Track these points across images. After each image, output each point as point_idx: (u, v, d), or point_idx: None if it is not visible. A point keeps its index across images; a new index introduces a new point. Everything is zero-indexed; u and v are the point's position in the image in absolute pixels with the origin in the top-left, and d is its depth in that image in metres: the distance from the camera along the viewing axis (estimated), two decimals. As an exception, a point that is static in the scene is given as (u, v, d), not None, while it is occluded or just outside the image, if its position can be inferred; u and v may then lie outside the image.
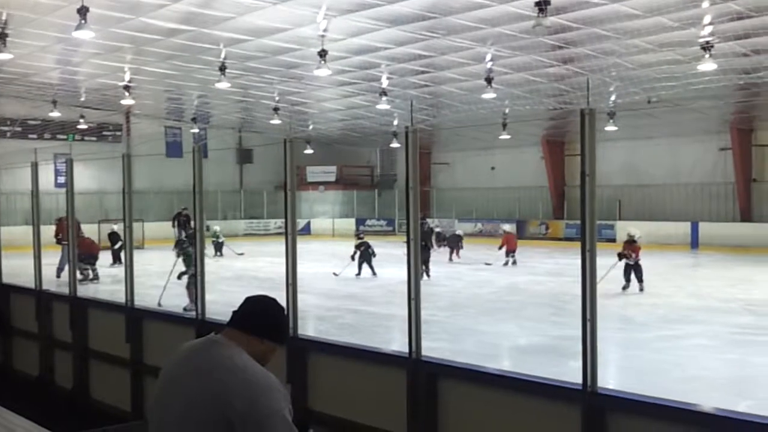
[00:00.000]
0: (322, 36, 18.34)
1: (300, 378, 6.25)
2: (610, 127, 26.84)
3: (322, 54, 18.67)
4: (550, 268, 21.97)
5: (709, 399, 7.13)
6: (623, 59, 19.70)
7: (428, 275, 18.73)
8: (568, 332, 4.44)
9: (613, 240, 22.46)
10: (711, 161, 31.52)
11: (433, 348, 6.55)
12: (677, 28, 16.81)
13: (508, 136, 31.28)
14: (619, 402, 4.51)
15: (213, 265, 21.35)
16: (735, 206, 30.76)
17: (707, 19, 16.26)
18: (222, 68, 21.02)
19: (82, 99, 29.30)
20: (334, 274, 19.77)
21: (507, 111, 27.42)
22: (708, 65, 17.82)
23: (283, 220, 6.39)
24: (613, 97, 23.77)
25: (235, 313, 2.87)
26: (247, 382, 2.62)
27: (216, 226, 27.40)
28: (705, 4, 15.30)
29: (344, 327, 13.18)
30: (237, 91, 26.65)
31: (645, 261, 21.82)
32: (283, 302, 4.19)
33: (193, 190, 7.13)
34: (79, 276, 18.28)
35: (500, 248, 22.89)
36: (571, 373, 4.68)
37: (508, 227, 25.48)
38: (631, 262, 16.82)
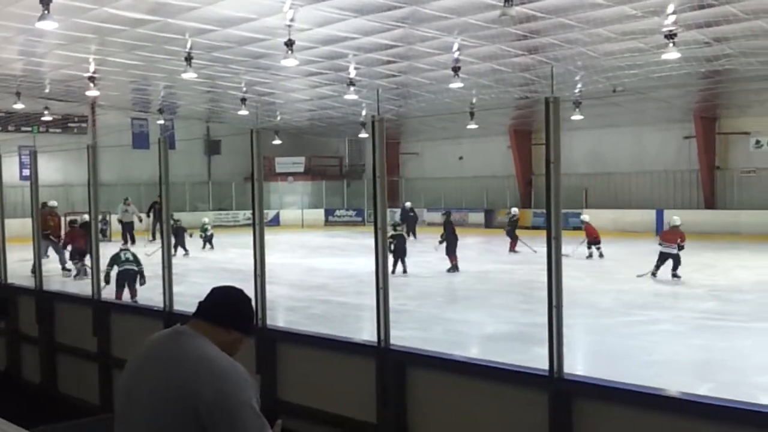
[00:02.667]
0: (289, 26, 18.25)
1: (269, 368, 6.26)
2: (576, 116, 27.06)
3: (289, 44, 18.58)
4: (519, 257, 22.15)
5: (673, 383, 7.26)
6: (588, 48, 19.86)
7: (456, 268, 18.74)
8: (537, 319, 4.52)
9: (580, 228, 22.59)
10: (675, 149, 31.91)
11: (402, 337, 6.58)
12: (641, 17, 16.98)
13: (476, 126, 31.42)
14: (585, 387, 4.58)
15: (181, 257, 21.35)
16: (699, 193, 31.18)
17: (671, 8, 16.44)
18: (188, 58, 20.85)
19: (47, 90, 28.88)
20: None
21: (474, 101, 27.54)
22: (672, 54, 18.03)
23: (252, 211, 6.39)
24: (578, 87, 23.96)
25: (201, 303, 2.86)
26: (215, 372, 2.63)
27: (205, 218, 27.18)
28: (668, -6, 15.48)
29: (314, 317, 13.20)
30: (204, 82, 26.45)
31: (610, 248, 22.16)
32: (251, 293, 4.19)
33: (159, 181, 7.08)
34: (73, 272, 18.12)
35: (583, 242, 21.51)
36: (538, 359, 4.74)
37: (586, 217, 22.96)
38: (667, 251, 16.99)
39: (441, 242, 19.44)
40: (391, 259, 17.40)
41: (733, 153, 30.80)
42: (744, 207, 28.22)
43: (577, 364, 9.09)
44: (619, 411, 4.35)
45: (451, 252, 19.01)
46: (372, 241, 5.54)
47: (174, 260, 7.66)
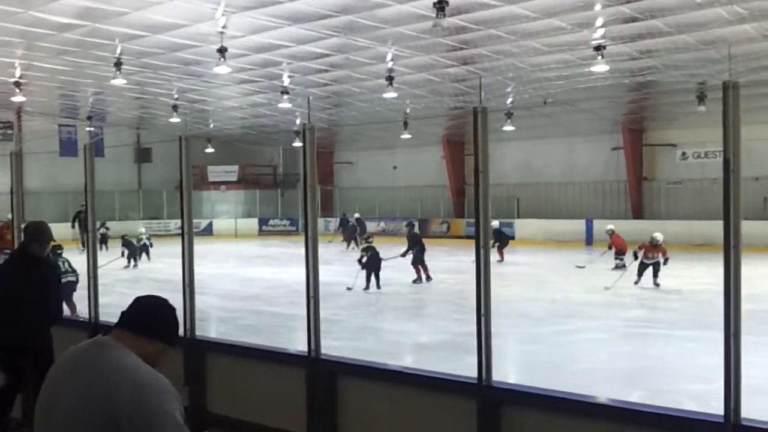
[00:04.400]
0: (222, 33, 18.07)
1: (198, 380, 6.15)
2: (508, 127, 27.43)
3: (222, 51, 18.41)
4: (452, 266, 22.28)
5: (601, 390, 7.38)
6: (518, 60, 20.17)
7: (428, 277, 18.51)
8: (469, 329, 4.55)
9: (512, 237, 22.85)
10: (604, 160, 32.63)
11: (333, 347, 6.56)
12: (570, 30, 17.31)
13: (410, 136, 31.64)
14: (513, 395, 4.62)
15: (108, 267, 20.90)
16: (627, 204, 31.93)
17: (599, 21, 16.81)
18: (117, 64, 20.49)
19: (-32, 95, 28.03)
20: (348, 288, 16.90)
21: (408, 111, 27.69)
22: (600, 66, 18.43)
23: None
24: (510, 98, 24.29)
25: (123, 313, 2.80)
26: (136, 383, 2.56)
27: (141, 228, 26.10)
28: (597, 7, 15.81)
29: (246, 328, 13.06)
30: (134, 88, 26.00)
31: (540, 257, 22.49)
32: (180, 303, 4.12)
33: (84, 189, 6.91)
34: None
35: (610, 248, 20.98)
36: (469, 368, 4.76)
37: (612, 227, 22.01)
38: (649, 262, 17.40)
39: (404, 255, 18.85)
40: (363, 273, 17.21)
41: (659, 164, 31.64)
42: (671, 217, 29.02)
43: (509, 373, 9.18)
44: (548, 418, 4.39)
45: (419, 262, 18.69)
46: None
47: (118, 272, 7.48)
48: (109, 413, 2.51)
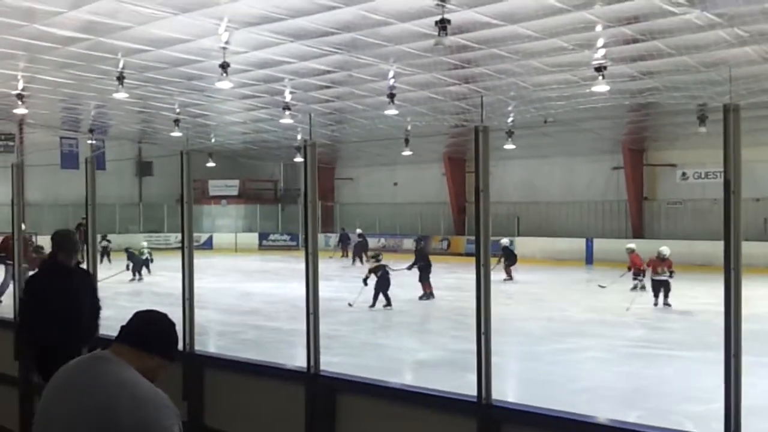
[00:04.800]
0: (224, 48, 18.16)
1: (196, 394, 6.13)
2: (509, 146, 27.50)
3: (224, 66, 18.48)
4: (451, 283, 22.25)
5: (600, 410, 7.36)
6: (520, 79, 20.24)
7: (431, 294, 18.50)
8: (468, 346, 4.54)
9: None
10: (604, 180, 32.68)
11: (333, 363, 6.53)
12: (572, 50, 17.39)
13: (411, 153, 31.69)
14: (513, 413, 4.60)
15: (109, 280, 20.91)
16: (627, 223, 31.95)
17: (600, 42, 16.89)
18: (120, 78, 20.56)
19: (-30, 107, 28.12)
20: (349, 305, 16.80)
21: (409, 128, 27.76)
22: (601, 87, 18.50)
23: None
24: (511, 117, 24.36)
25: (123, 327, 2.80)
26: (135, 398, 2.56)
27: (143, 242, 26.04)
28: (598, 28, 15.88)
29: (246, 343, 13.04)
30: (136, 102, 26.09)
31: (541, 276, 22.47)
32: (180, 317, 4.11)
33: (85, 202, 6.92)
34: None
35: (629, 269, 20.04)
36: (469, 386, 4.74)
37: (633, 246, 21.06)
38: (664, 278, 17.34)
39: (410, 268, 19.08)
40: (365, 289, 16.92)
41: (660, 184, 31.69)
42: (671, 237, 29.02)
43: (508, 391, 9.16)
44: (546, 437, 4.38)
45: (425, 279, 18.75)
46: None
47: (119, 284, 7.48)
48: (108, 427, 2.51)
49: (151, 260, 24.12)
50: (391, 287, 17.07)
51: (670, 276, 17.36)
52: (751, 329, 4.62)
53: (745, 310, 3.49)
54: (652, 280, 17.64)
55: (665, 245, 18.54)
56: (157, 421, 2.54)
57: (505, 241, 24.11)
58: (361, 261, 29.78)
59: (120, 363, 2.67)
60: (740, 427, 3.57)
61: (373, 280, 17.09)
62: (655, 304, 17.33)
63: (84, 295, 6.16)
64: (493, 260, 5.90)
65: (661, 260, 17.53)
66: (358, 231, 32.29)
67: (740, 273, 3.48)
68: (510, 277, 23.11)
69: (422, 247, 20.48)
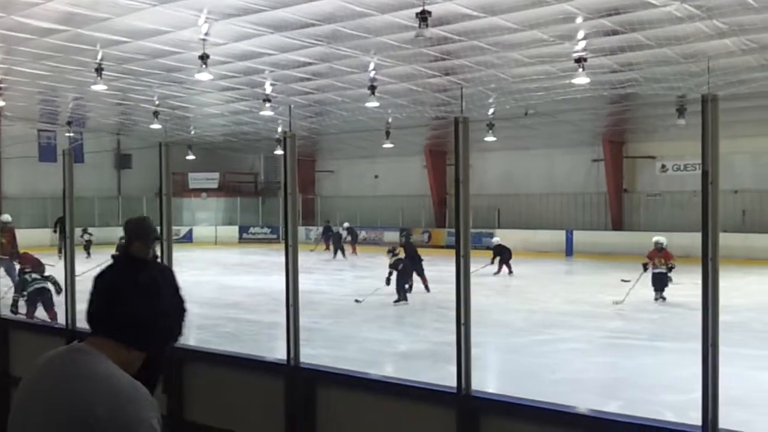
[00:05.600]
0: (204, 40, 18.04)
1: (175, 388, 6.10)
2: (490, 138, 27.55)
3: (204, 58, 18.36)
4: (433, 276, 22.23)
5: (580, 400, 7.39)
6: (500, 71, 20.27)
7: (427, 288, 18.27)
8: (449, 338, 4.54)
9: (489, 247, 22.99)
10: (584, 172, 32.84)
11: (313, 355, 6.51)
12: (552, 42, 17.43)
13: (392, 145, 31.67)
14: (493, 404, 4.60)
15: (89, 274, 20.76)
16: (607, 215, 32.14)
17: (581, 34, 16.94)
18: (98, 70, 20.38)
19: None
20: (356, 301, 16.77)
21: (390, 120, 27.74)
22: (581, 78, 18.55)
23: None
24: (491, 109, 24.40)
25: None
26: (111, 390, 2.52)
27: (122, 235, 25.77)
28: (579, 20, 15.93)
29: (225, 336, 13.00)
30: (115, 94, 25.88)
31: (521, 268, 22.56)
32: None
33: (63, 195, 6.85)
34: None
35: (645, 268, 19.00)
36: (449, 377, 4.75)
37: (663, 239, 18.74)
38: (658, 271, 17.03)
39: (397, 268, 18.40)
40: (393, 284, 16.79)
41: (639, 176, 31.89)
42: (650, 229, 29.19)
43: (489, 382, 9.19)
44: (527, 427, 4.38)
45: (420, 272, 18.51)
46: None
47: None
48: (83, 420, 2.47)
49: None
50: (369, 279, 17.05)
51: (669, 269, 17.06)
52: (729, 320, 4.67)
53: (723, 301, 3.51)
54: (652, 274, 17.29)
55: (639, 240, 18.55)
56: (135, 414, 2.51)
57: (496, 239, 24.31)
58: (344, 254, 29.72)
59: (96, 355, 2.64)
60: (717, 417, 3.60)
61: (394, 275, 16.94)
62: (655, 299, 17.01)
63: (154, 291, 5.88)
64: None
65: (658, 251, 17.36)
66: (346, 225, 32.18)
67: (717, 263, 3.50)
68: (510, 271, 23.04)
69: (409, 240, 20.30)
